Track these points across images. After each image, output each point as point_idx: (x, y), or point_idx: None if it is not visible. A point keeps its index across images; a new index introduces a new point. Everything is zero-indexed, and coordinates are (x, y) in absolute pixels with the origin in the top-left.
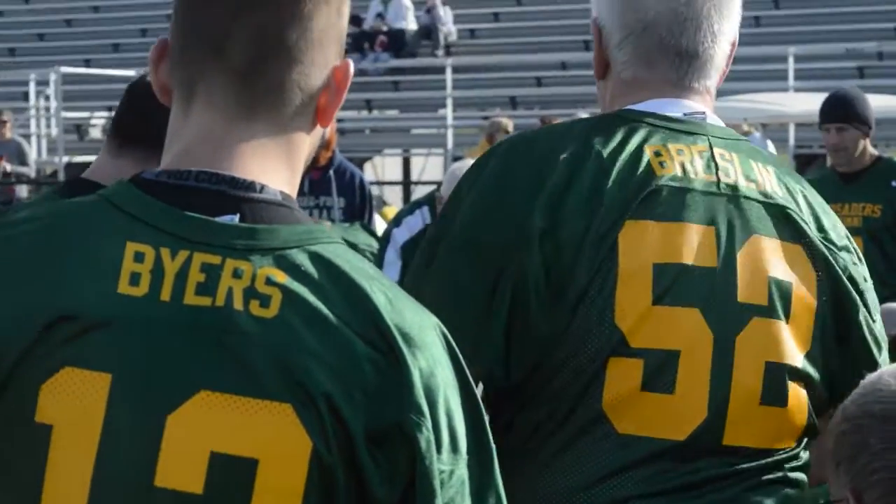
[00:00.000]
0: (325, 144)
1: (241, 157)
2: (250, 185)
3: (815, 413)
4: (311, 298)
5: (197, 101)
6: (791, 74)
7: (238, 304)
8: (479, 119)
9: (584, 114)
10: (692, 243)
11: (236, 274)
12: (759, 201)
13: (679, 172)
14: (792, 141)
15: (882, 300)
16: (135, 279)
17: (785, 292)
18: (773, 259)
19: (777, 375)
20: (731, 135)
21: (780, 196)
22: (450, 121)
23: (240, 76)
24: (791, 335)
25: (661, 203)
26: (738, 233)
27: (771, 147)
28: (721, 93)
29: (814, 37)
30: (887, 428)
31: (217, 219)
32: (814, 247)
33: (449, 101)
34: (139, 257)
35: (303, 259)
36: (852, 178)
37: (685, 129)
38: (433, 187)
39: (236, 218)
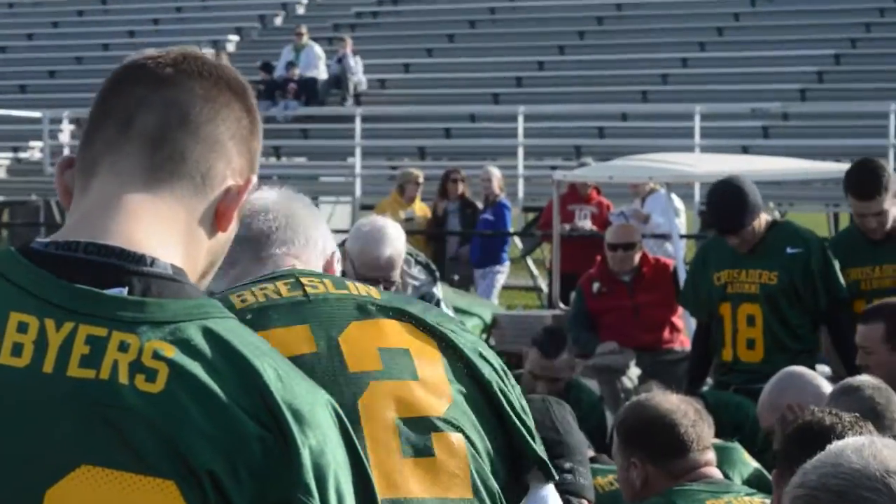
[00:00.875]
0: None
1: (136, 222)
2: (140, 259)
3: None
4: (200, 373)
5: (100, 172)
6: (697, 132)
7: (123, 378)
8: (387, 168)
9: (491, 166)
10: (288, 341)
11: (122, 347)
12: (352, 301)
13: (262, 299)
14: (697, 198)
15: (785, 363)
16: (17, 350)
17: (402, 356)
18: (389, 335)
19: (414, 428)
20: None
21: (380, 299)
22: (358, 169)
23: (144, 142)
24: (424, 390)
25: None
26: (335, 323)
27: (678, 202)
28: (628, 150)
29: (720, 96)
30: None
31: (105, 291)
32: (424, 323)
33: (357, 150)
34: (23, 328)
35: (193, 333)
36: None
37: (271, 276)
38: (341, 236)
39: (125, 291)
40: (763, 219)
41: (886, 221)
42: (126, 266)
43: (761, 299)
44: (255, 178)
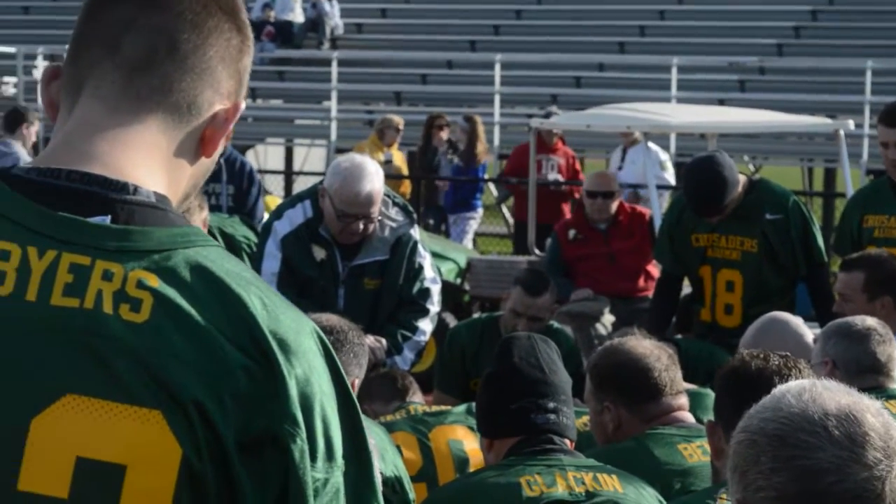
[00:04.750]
0: None
1: (119, 150)
2: (123, 187)
3: None
4: (184, 303)
5: (84, 95)
6: (674, 85)
7: (107, 308)
8: (363, 112)
9: (467, 113)
10: None
11: (106, 276)
12: None
13: None
14: (673, 149)
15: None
16: None
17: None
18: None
19: None
20: None
21: None
22: (334, 113)
23: (130, 69)
24: None
25: None
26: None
27: (662, 154)
28: (604, 101)
29: (697, 49)
30: (778, 449)
31: (89, 219)
32: None
33: (333, 94)
34: (4, 255)
35: (177, 262)
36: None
37: None
38: (315, 178)
39: (108, 219)
40: (740, 183)
41: None
42: (109, 194)
43: (742, 266)
44: (242, 104)
